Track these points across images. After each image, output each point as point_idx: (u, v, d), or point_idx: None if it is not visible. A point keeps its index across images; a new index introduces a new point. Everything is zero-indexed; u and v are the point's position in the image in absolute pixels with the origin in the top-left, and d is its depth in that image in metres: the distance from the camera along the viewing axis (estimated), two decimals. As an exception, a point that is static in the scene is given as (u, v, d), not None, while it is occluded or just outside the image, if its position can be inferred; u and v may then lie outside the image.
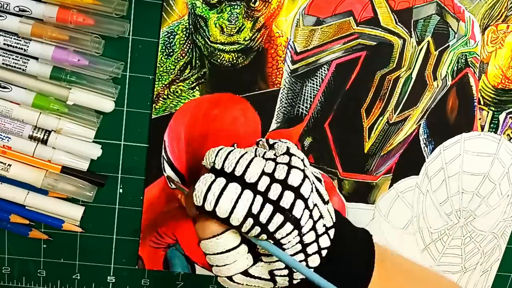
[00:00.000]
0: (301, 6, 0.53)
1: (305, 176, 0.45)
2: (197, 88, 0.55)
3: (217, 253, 0.46)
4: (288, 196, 0.44)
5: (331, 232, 0.47)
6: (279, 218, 0.44)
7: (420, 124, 0.59)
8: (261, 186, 0.44)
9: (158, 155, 0.56)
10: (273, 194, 0.44)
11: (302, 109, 0.56)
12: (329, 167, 0.59)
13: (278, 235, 0.44)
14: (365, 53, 0.55)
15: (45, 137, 0.53)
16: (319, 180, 0.49)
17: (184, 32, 0.52)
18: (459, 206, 0.63)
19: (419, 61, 0.56)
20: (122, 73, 0.53)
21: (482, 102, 0.59)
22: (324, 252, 0.47)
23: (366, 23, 0.54)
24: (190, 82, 0.54)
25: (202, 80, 0.54)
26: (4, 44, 0.49)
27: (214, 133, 0.56)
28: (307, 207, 0.45)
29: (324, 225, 0.47)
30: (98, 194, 0.58)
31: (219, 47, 0.53)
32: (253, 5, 0.52)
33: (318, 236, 0.47)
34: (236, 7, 0.52)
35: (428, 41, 0.56)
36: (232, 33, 0.53)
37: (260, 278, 0.48)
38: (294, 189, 0.44)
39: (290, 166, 0.45)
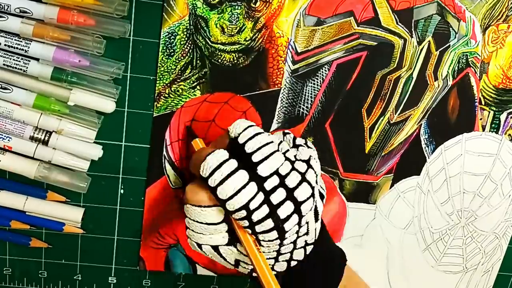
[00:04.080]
0: (301, 6, 0.53)
1: (312, 195, 0.45)
2: (198, 88, 0.55)
3: (197, 221, 0.46)
4: (288, 206, 0.44)
5: (309, 248, 0.48)
6: (269, 223, 0.44)
7: (421, 124, 0.59)
8: (268, 185, 0.44)
9: (159, 156, 0.56)
10: (275, 198, 0.44)
11: (303, 109, 0.56)
12: (330, 167, 0.59)
13: (260, 237, 0.45)
14: (366, 53, 0.55)
15: (46, 138, 0.53)
16: (322, 198, 0.49)
17: (185, 33, 0.53)
18: (461, 206, 0.63)
19: (420, 61, 0.56)
20: (123, 74, 0.53)
21: (483, 102, 0.59)
22: (293, 263, 0.48)
23: (366, 23, 0.54)
24: (191, 82, 0.54)
25: (203, 80, 0.54)
26: (5, 45, 0.49)
27: (215, 133, 0.56)
28: (299, 223, 0.45)
29: (305, 241, 0.48)
30: (99, 195, 0.58)
31: (220, 47, 0.53)
32: (253, 6, 0.52)
33: (295, 248, 0.47)
34: (236, 7, 0.52)
35: (429, 41, 0.56)
36: (232, 33, 0.53)
37: (225, 259, 0.48)
38: (296, 202, 0.44)
39: (303, 178, 0.45)
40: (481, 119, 0.60)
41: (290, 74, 0.55)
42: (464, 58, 0.57)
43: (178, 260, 0.61)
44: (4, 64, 0.50)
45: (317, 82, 0.56)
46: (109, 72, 0.51)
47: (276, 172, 0.44)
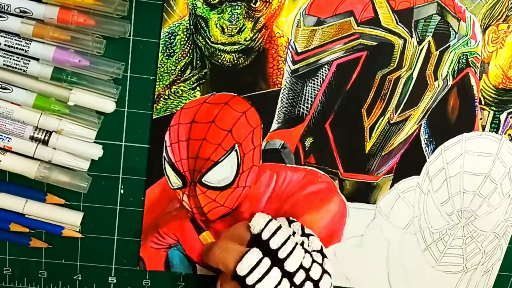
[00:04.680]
0: (301, 6, 0.53)
1: (331, 284, 0.50)
2: (198, 88, 0.55)
3: None
4: None
5: None
6: None
7: (421, 124, 0.59)
8: (297, 280, 0.48)
9: (159, 157, 0.56)
10: None
11: (303, 109, 0.56)
12: (330, 167, 0.59)
13: None
14: (366, 53, 0.55)
15: (46, 138, 0.53)
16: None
17: (185, 33, 0.52)
18: (460, 206, 0.63)
19: (420, 61, 0.56)
20: (123, 74, 0.53)
21: (483, 102, 0.59)
22: None
23: (366, 23, 0.54)
24: (191, 83, 0.54)
25: (203, 80, 0.54)
26: (5, 45, 0.49)
27: (215, 134, 0.56)
28: None
29: None
30: (99, 195, 0.58)
31: (220, 48, 0.53)
32: (253, 6, 0.52)
33: None
34: (236, 7, 0.52)
35: (429, 41, 0.56)
36: (232, 33, 0.53)
37: None
38: None
39: (323, 270, 0.50)
40: (481, 119, 0.60)
41: (290, 74, 0.55)
42: (464, 58, 0.57)
43: (178, 260, 0.61)
44: (4, 64, 0.50)
45: (317, 82, 0.56)
46: (109, 72, 0.51)
47: (301, 266, 0.48)
